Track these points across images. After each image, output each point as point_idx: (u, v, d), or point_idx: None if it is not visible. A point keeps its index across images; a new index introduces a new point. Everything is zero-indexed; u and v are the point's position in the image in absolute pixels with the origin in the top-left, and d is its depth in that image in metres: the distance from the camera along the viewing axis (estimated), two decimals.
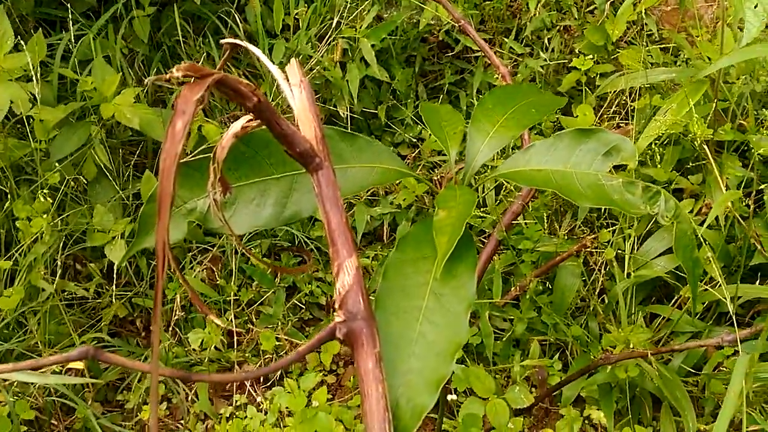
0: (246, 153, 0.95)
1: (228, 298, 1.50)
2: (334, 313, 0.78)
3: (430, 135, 2.03)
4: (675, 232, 0.94)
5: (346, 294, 0.77)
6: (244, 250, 0.92)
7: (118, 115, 1.51)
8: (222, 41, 0.88)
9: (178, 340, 1.47)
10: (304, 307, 1.60)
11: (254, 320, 1.55)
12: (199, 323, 1.51)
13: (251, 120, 0.79)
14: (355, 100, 1.89)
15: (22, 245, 1.31)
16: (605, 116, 1.81)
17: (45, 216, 1.29)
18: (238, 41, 0.87)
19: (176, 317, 1.48)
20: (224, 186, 0.84)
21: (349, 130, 1.01)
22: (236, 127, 0.78)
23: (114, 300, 1.47)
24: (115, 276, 1.48)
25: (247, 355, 1.47)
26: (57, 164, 1.51)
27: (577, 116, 1.58)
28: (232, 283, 1.52)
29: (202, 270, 1.56)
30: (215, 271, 1.57)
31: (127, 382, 1.39)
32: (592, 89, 1.81)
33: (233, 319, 1.49)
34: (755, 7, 1.30)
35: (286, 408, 1.27)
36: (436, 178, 1.84)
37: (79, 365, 1.22)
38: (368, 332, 0.76)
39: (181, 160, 0.91)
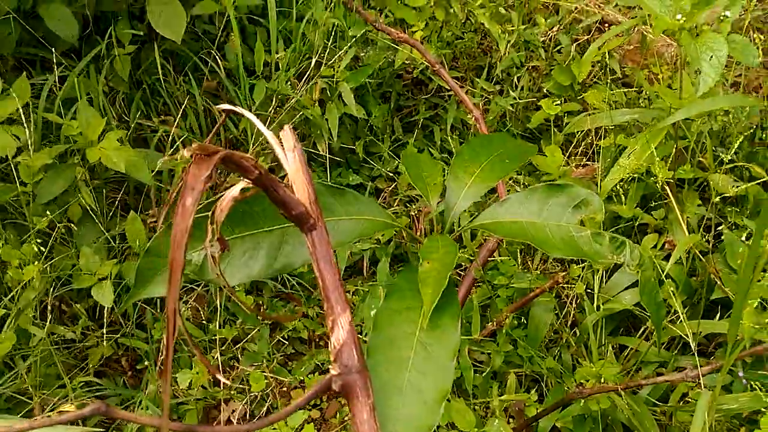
0: (240, 209, 1.01)
1: (213, 337, 1.54)
2: (330, 366, 0.84)
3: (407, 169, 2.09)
4: (640, 279, 1.01)
5: (341, 348, 0.82)
6: (238, 302, 0.96)
7: (104, 159, 1.54)
8: (217, 107, 0.93)
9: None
10: (287, 342, 1.64)
11: (239, 357, 1.59)
12: (185, 362, 1.54)
13: (249, 185, 0.85)
14: (334, 138, 1.95)
15: (13, 292, 1.33)
16: (573, 154, 1.90)
17: (36, 263, 1.32)
18: (232, 107, 0.93)
19: (161, 357, 1.51)
20: (222, 243, 0.89)
21: (338, 186, 1.07)
22: (235, 191, 0.84)
23: (103, 341, 1.49)
24: (104, 318, 1.51)
25: (232, 392, 1.51)
26: (43, 207, 1.54)
27: (546, 155, 1.66)
28: (217, 321, 1.56)
29: (187, 309, 1.59)
30: (200, 309, 1.60)
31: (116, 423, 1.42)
32: (559, 127, 1.90)
33: (219, 357, 1.52)
34: (710, 59, 1.40)
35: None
36: (413, 213, 1.90)
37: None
38: (362, 384, 0.81)
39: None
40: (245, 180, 0.83)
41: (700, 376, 1.08)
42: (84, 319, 1.53)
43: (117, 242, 1.62)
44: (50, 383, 1.38)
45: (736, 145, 1.44)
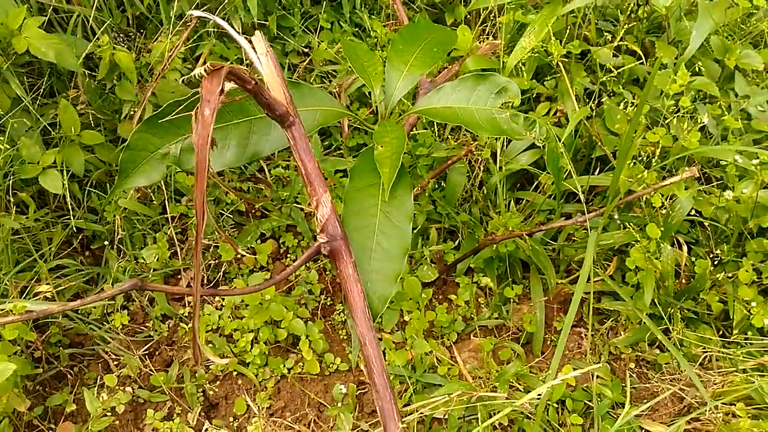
0: None
1: (166, 216, 1.68)
2: (317, 236, 1.04)
3: (319, 44, 2.19)
4: (546, 149, 1.26)
5: (326, 222, 1.02)
6: (220, 184, 1.11)
7: (32, 49, 1.54)
8: (188, 13, 1.04)
9: (123, 256, 1.64)
10: (230, 215, 1.80)
11: (186, 231, 1.74)
12: (138, 239, 1.68)
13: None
14: (254, 13, 1.99)
15: None
16: (480, 30, 2.07)
17: (6, 161, 1.37)
18: (204, 14, 1.03)
19: (119, 236, 1.63)
20: (212, 140, 1.04)
21: (295, 81, 1.20)
22: (214, 102, 0.96)
23: (58, 226, 1.59)
24: (50, 205, 1.58)
25: (188, 262, 1.68)
26: None
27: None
28: (166, 200, 1.68)
29: (135, 191, 1.69)
30: (147, 189, 1.71)
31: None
32: (465, 3, 2.06)
33: (172, 231, 1.67)
34: None
35: (242, 302, 1.52)
36: (334, 90, 2.03)
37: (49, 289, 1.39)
38: (345, 248, 1.03)
39: (149, 114, 1.10)
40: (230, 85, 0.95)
41: (587, 220, 1.39)
42: (33, 207, 1.60)
43: (53, 130, 1.65)
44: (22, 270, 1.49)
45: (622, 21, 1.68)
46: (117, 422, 1.37)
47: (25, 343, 1.43)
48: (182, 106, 1.04)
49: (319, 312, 1.65)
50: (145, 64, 1.82)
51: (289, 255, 1.79)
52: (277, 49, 2.21)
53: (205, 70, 0.82)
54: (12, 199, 1.64)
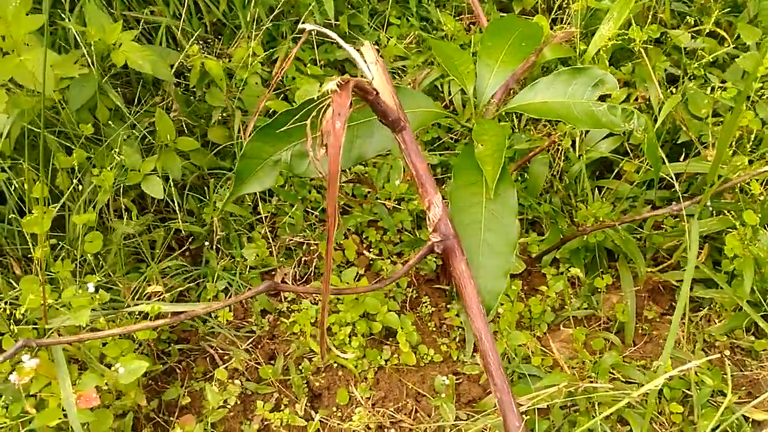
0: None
1: (258, 216, 1.75)
2: (430, 235, 1.07)
3: (389, 39, 2.23)
4: (645, 140, 1.26)
5: (438, 221, 1.06)
6: (329, 187, 1.15)
7: (129, 62, 1.62)
8: (300, 26, 1.08)
9: (221, 255, 1.72)
10: (314, 212, 1.86)
11: (277, 230, 1.80)
12: (234, 240, 1.75)
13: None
14: (330, 14, 2.04)
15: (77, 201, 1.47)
16: (557, 18, 2.07)
17: (112, 169, 1.45)
18: (315, 26, 1.08)
19: (218, 236, 1.71)
20: (326, 148, 1.08)
21: (398, 86, 1.23)
22: (345, 114, 0.99)
23: (159, 230, 1.67)
24: (149, 210, 1.67)
25: (281, 259, 1.75)
26: (75, 114, 1.63)
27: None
28: (258, 200, 1.75)
29: (227, 192, 1.76)
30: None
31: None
32: None
33: (266, 230, 1.74)
34: None
35: (337, 298, 1.58)
36: (408, 85, 2.07)
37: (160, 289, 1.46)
38: (457, 246, 1.06)
39: (262, 125, 1.15)
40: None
41: (683, 208, 1.39)
42: (134, 212, 1.68)
43: (147, 138, 1.74)
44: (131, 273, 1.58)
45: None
46: (230, 414, 1.44)
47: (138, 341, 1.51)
48: (295, 117, 1.09)
49: (407, 305, 1.70)
50: (224, 69, 1.88)
51: (372, 249, 1.83)
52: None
53: (337, 85, 0.86)
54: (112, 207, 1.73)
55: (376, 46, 2.23)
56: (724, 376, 1.41)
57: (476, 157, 1.17)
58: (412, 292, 1.72)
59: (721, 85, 1.67)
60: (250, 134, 1.19)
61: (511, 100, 1.29)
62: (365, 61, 1.05)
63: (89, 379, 1.13)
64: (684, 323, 1.55)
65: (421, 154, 1.06)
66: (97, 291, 1.19)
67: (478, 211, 1.14)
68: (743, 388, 1.45)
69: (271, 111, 1.85)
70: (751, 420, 1.35)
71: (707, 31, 1.84)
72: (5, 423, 1.21)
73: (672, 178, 1.48)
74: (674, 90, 1.83)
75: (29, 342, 0.89)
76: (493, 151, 1.17)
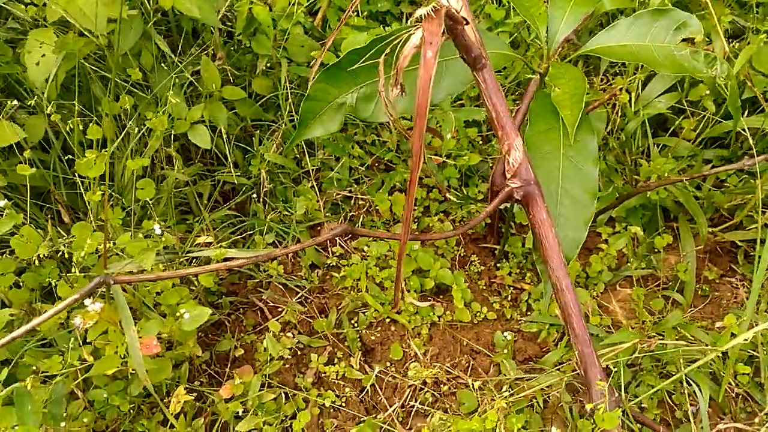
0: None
1: (306, 170, 1.70)
2: (508, 181, 1.02)
3: None
4: (729, 87, 1.20)
5: (518, 167, 1.01)
6: (401, 131, 1.09)
7: (177, 5, 1.56)
8: None
9: (268, 209, 1.68)
10: (359, 167, 1.82)
11: (322, 184, 1.76)
12: (280, 193, 1.71)
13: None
14: None
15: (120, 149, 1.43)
16: None
17: (162, 114, 1.41)
18: None
19: (264, 189, 1.67)
20: (401, 87, 1.03)
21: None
22: (416, 42, 0.94)
23: (206, 180, 1.63)
24: (193, 160, 1.62)
25: (327, 214, 1.71)
26: (122, 58, 1.58)
27: None
28: (306, 155, 1.71)
29: (273, 144, 1.72)
30: (280, 146, 1.74)
31: None
32: None
33: (314, 185, 1.70)
34: None
35: (389, 250, 1.54)
36: None
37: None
38: (538, 193, 1.02)
39: (328, 66, 1.09)
40: (419, 33, 0.93)
41: (757, 163, 1.33)
42: (180, 161, 1.64)
43: (191, 87, 1.69)
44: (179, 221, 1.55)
45: None
46: (285, 366, 1.42)
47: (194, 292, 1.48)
48: (364, 57, 1.04)
49: (456, 264, 1.66)
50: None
51: (417, 205, 1.79)
52: (387, 2, 2.18)
53: (432, 11, 0.81)
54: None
55: None
56: None
57: (553, 101, 1.11)
58: (460, 250, 1.68)
59: None
60: (314, 74, 1.14)
61: (588, 42, 1.23)
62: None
63: (152, 325, 1.10)
64: (747, 284, 1.50)
65: (502, 94, 1.01)
66: (162, 234, 1.15)
67: (556, 157, 1.09)
68: None
69: (312, 62, 1.80)
70: None
71: None
72: (62, 370, 1.19)
73: (746, 131, 1.41)
74: (737, 45, 1.75)
75: (107, 279, 0.86)
76: (571, 94, 1.11)
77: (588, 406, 0.98)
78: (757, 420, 1.27)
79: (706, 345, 1.32)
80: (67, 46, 1.44)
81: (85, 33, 1.46)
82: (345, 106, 1.15)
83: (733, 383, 1.36)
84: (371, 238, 1.62)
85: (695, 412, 1.31)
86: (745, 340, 0.95)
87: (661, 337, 1.34)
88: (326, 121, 1.15)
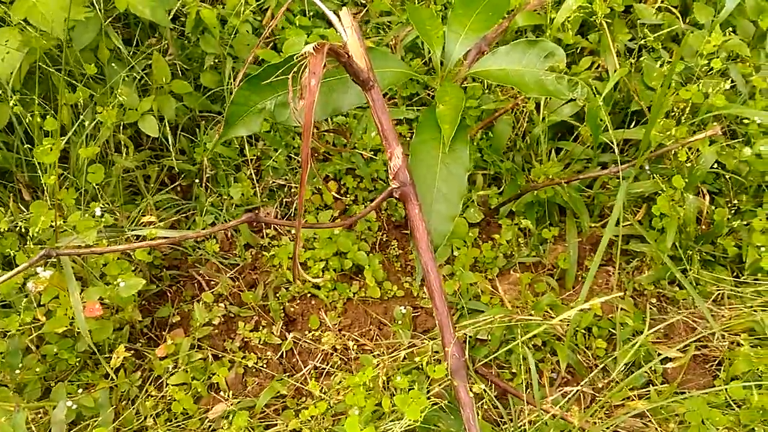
0: None
1: (245, 158, 1.91)
2: (390, 182, 1.25)
3: None
4: (587, 108, 1.44)
5: (397, 171, 1.24)
6: (304, 136, 1.31)
7: (131, 7, 1.75)
8: None
9: (210, 193, 1.89)
10: (296, 157, 2.03)
11: (261, 171, 1.97)
12: (221, 179, 1.92)
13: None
14: None
15: (75, 132, 1.62)
16: None
17: (112, 108, 1.60)
18: None
19: (207, 175, 1.88)
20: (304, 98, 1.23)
21: (370, 46, 1.38)
22: (319, 74, 1.14)
23: (154, 166, 1.83)
24: (144, 146, 1.82)
25: (264, 199, 1.92)
26: (79, 53, 1.76)
27: None
28: (247, 144, 1.91)
29: (216, 134, 1.92)
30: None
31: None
32: None
33: (251, 171, 1.91)
34: None
35: (313, 235, 1.76)
36: (390, 42, 2.20)
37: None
38: (413, 193, 1.24)
39: (251, 75, 1.30)
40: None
41: (620, 170, 1.57)
42: (131, 148, 1.84)
43: (143, 80, 1.88)
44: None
45: None
46: (215, 331, 1.64)
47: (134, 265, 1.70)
48: (279, 71, 1.25)
49: (377, 246, 1.89)
50: (217, 16, 2.01)
51: (348, 194, 2.01)
52: (336, 1, 2.37)
53: (313, 49, 1.02)
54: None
55: (363, 0, 2.36)
56: (645, 319, 1.63)
57: (437, 116, 1.34)
58: (382, 235, 1.91)
59: (669, 60, 1.83)
60: (239, 83, 1.34)
61: (475, 64, 1.45)
62: (342, 25, 1.20)
63: (94, 291, 1.31)
64: (615, 272, 1.75)
65: (386, 111, 1.23)
66: (102, 215, 1.36)
67: (434, 164, 1.32)
68: (661, 330, 1.67)
69: (260, 59, 1.99)
70: (662, 355, 1.57)
71: (666, 6, 1.99)
72: (19, 328, 1.40)
73: (612, 143, 1.65)
74: (633, 61, 1.99)
75: (50, 252, 1.07)
76: (451, 111, 1.33)
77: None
78: (600, 385, 1.53)
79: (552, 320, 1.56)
80: (30, 43, 1.62)
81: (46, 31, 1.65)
82: (264, 111, 1.36)
83: (592, 357, 1.61)
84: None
85: (555, 377, 1.56)
86: (569, 316, 1.19)
87: (530, 315, 1.59)
88: (248, 123, 1.36)
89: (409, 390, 1.12)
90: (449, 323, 1.19)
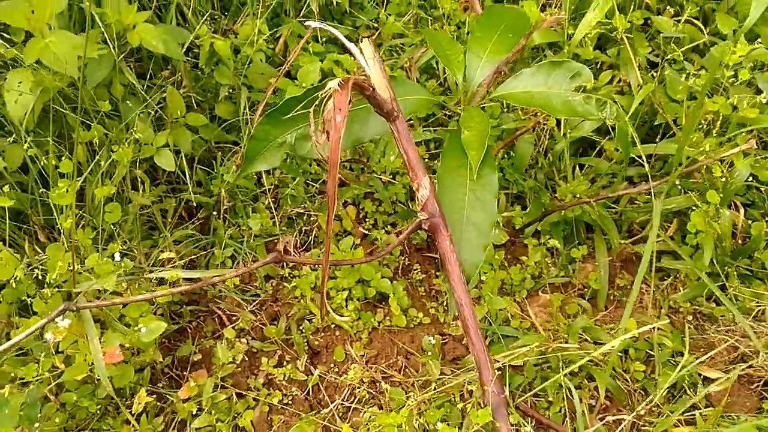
0: None
1: (262, 189, 1.88)
2: (419, 213, 1.21)
3: (388, 17, 2.32)
4: (617, 127, 1.39)
5: (426, 201, 1.19)
6: (326, 163, 1.27)
7: (144, 42, 1.73)
8: (306, 23, 1.20)
9: (227, 224, 1.85)
10: (314, 184, 1.99)
11: (279, 200, 1.94)
12: (239, 210, 1.88)
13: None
14: None
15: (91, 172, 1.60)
16: (547, 3, 2.17)
17: (128, 146, 1.57)
18: (320, 24, 1.19)
19: (224, 207, 1.84)
20: (327, 133, 1.20)
21: (392, 75, 1.34)
22: (345, 110, 1.09)
23: (171, 200, 1.80)
24: (160, 181, 1.79)
25: (283, 228, 1.88)
26: (92, 89, 1.74)
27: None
28: (264, 174, 1.88)
29: (233, 165, 1.89)
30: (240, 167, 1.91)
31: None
32: None
33: (269, 201, 1.87)
34: None
35: (335, 265, 1.72)
36: (405, 64, 2.17)
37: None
38: (443, 224, 1.20)
39: (270, 108, 1.27)
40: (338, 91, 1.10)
41: (651, 187, 1.52)
42: (147, 183, 1.81)
43: (158, 113, 1.85)
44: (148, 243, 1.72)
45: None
46: (238, 369, 1.60)
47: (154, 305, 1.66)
48: (301, 104, 1.21)
49: (399, 272, 1.84)
50: (231, 45, 1.98)
51: (367, 219, 1.97)
52: (348, 24, 2.35)
53: (338, 84, 0.98)
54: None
55: (375, 23, 2.34)
56: (684, 338, 1.57)
57: (462, 143, 1.30)
58: (404, 259, 1.86)
59: (695, 72, 1.79)
60: (258, 116, 1.31)
61: (498, 88, 1.41)
62: (364, 57, 1.17)
63: (114, 337, 1.27)
64: (650, 291, 1.69)
65: (412, 142, 1.19)
66: (121, 259, 1.32)
67: (462, 191, 1.27)
68: (702, 349, 1.61)
69: (274, 89, 1.96)
70: (703, 377, 1.51)
71: (684, 18, 1.94)
72: (37, 377, 1.36)
73: (642, 159, 1.60)
74: (655, 74, 1.95)
75: (70, 306, 1.03)
76: (477, 137, 1.29)
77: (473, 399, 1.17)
78: (642, 411, 1.46)
79: (599, 344, 1.51)
80: (43, 83, 1.60)
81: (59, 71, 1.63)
82: (285, 145, 1.32)
83: (631, 381, 1.55)
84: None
85: (594, 404, 1.50)
86: (612, 347, 1.14)
87: (565, 339, 1.53)
88: (269, 157, 1.33)
89: None
90: (487, 359, 1.14)
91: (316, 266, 1.77)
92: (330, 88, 0.99)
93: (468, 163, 1.28)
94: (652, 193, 1.54)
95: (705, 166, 1.62)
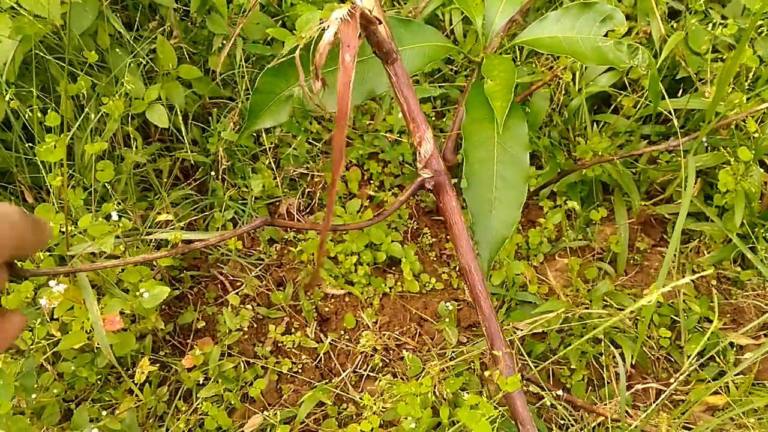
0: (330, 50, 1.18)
1: (263, 148, 1.76)
2: (420, 171, 1.11)
3: None
4: (650, 75, 1.29)
5: (429, 158, 1.09)
6: (335, 122, 1.16)
7: None
8: None
9: (227, 185, 1.74)
10: (316, 144, 1.88)
11: (280, 161, 1.83)
12: (239, 170, 1.77)
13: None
14: None
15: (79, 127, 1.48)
16: None
17: (119, 98, 1.45)
18: None
19: (223, 166, 1.73)
20: (322, 81, 1.09)
21: (406, 18, 1.24)
22: (329, 38, 0.98)
23: (166, 159, 1.69)
24: (152, 138, 1.67)
25: (285, 189, 1.78)
26: (79, 38, 1.61)
27: None
28: (264, 132, 1.76)
29: (230, 122, 1.77)
30: (237, 124, 1.79)
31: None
32: None
33: (270, 161, 1.76)
34: None
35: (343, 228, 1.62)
36: (409, 14, 2.04)
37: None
38: (448, 183, 1.10)
39: (277, 61, 1.15)
40: (332, 28, 0.97)
41: (681, 144, 1.43)
42: (140, 140, 1.69)
43: (148, 66, 1.72)
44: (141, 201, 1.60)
45: None
46: (245, 337, 1.51)
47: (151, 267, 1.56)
48: (312, 50, 1.10)
49: (409, 236, 1.75)
50: None
51: (372, 181, 1.87)
52: None
53: (348, 14, 0.86)
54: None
55: None
56: (711, 304, 1.50)
57: (486, 93, 1.19)
58: (413, 223, 1.77)
59: (722, 21, 1.69)
60: (262, 71, 1.19)
61: (520, 34, 1.31)
62: None
63: (114, 303, 1.17)
64: (674, 254, 1.62)
65: (412, 88, 1.08)
66: (119, 219, 1.22)
67: (490, 145, 1.17)
68: (728, 315, 1.54)
69: (269, 38, 1.84)
70: (736, 345, 1.45)
71: None
72: (32, 345, 1.27)
73: (671, 114, 1.51)
74: (675, 25, 1.84)
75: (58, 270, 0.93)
76: (502, 85, 1.19)
77: (488, 373, 1.09)
78: (672, 380, 1.40)
79: (621, 310, 1.44)
80: (23, 30, 1.46)
81: (40, 16, 1.49)
82: (292, 98, 1.21)
83: (655, 347, 1.49)
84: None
85: (618, 372, 1.44)
86: (649, 301, 1.06)
87: (588, 305, 1.46)
88: (275, 112, 1.22)
89: (477, 404, 0.99)
90: (498, 331, 1.06)
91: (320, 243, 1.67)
92: (336, 18, 0.87)
93: (494, 115, 1.18)
94: (681, 151, 1.46)
95: (734, 123, 1.53)
